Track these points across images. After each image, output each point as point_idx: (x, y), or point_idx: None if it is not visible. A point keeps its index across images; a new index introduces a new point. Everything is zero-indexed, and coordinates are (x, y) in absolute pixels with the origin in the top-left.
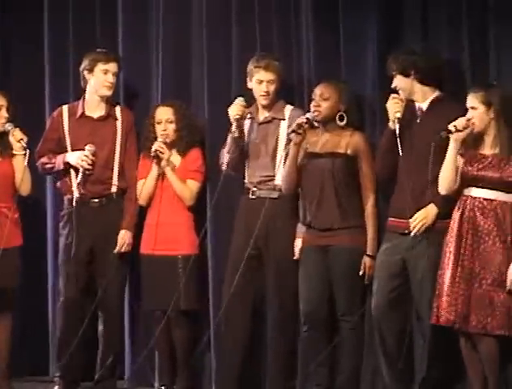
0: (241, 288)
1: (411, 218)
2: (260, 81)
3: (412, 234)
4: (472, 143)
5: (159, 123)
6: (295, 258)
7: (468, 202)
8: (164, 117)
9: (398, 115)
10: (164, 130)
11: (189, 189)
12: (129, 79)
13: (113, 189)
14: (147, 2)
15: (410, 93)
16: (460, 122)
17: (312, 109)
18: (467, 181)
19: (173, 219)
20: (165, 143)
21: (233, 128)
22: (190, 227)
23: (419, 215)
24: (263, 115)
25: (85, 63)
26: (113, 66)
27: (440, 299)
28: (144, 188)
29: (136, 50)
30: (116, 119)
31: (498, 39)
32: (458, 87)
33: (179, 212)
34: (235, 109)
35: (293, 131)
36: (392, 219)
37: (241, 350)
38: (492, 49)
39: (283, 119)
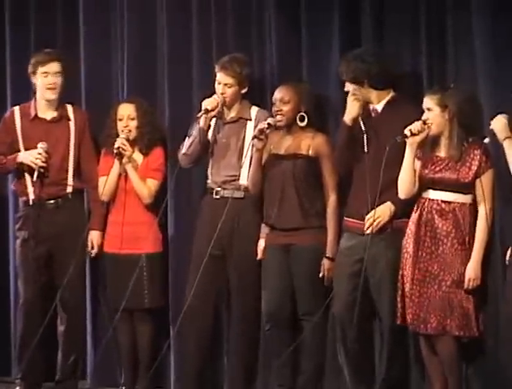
0: (203, 287)
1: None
2: (219, 82)
3: (367, 232)
4: (429, 145)
5: (120, 120)
6: (258, 258)
7: (426, 204)
8: (126, 113)
9: (355, 114)
10: (126, 127)
11: (147, 187)
12: (92, 78)
13: (69, 189)
14: (109, 1)
15: (364, 97)
16: (415, 126)
17: (274, 113)
18: (424, 183)
19: (138, 217)
20: (127, 140)
21: (202, 118)
22: (154, 225)
23: (376, 213)
24: (230, 115)
25: (29, 66)
26: (53, 67)
27: (403, 300)
28: (107, 185)
29: (99, 49)
30: (69, 119)
31: (456, 40)
32: (415, 88)
33: (143, 211)
34: (209, 101)
35: (255, 137)
36: (349, 219)
37: (203, 350)
38: (450, 52)
39: (250, 119)
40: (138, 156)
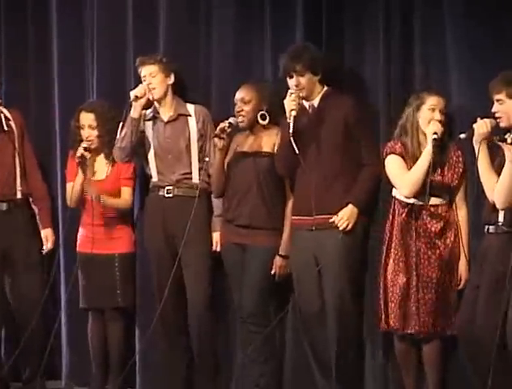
0: (165, 286)
1: (319, 215)
2: (143, 78)
3: (341, 228)
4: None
5: (82, 128)
6: (214, 249)
7: (413, 209)
8: (87, 122)
9: (294, 113)
10: (88, 137)
11: (124, 199)
12: (64, 78)
13: (18, 194)
14: (81, 1)
15: (311, 91)
16: (438, 127)
17: (235, 113)
18: None
19: (109, 219)
20: (89, 150)
21: (134, 108)
22: (127, 225)
23: (344, 214)
24: (168, 114)
25: None
26: None
27: (387, 306)
28: (73, 193)
29: (70, 49)
30: (9, 120)
31: (422, 36)
32: (374, 87)
33: (115, 212)
34: (137, 89)
35: (216, 136)
36: (297, 217)
37: (174, 348)
38: (416, 51)
39: (190, 115)
40: (102, 163)
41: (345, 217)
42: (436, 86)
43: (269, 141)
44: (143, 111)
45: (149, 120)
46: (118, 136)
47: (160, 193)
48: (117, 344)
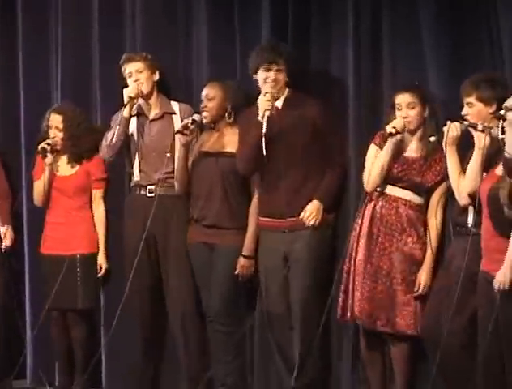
0: (141, 286)
1: (291, 217)
2: (129, 74)
3: (310, 224)
4: (399, 143)
5: (50, 128)
6: None
7: (381, 199)
8: (54, 124)
9: (268, 113)
10: (53, 137)
11: (100, 204)
12: (29, 79)
13: None
14: (46, 2)
15: (281, 91)
16: (398, 123)
17: (200, 110)
18: (387, 179)
19: (72, 218)
20: (55, 149)
21: (127, 108)
22: (90, 226)
23: (311, 210)
24: (153, 112)
25: None
26: None
27: (347, 295)
28: (37, 190)
29: (36, 50)
30: None
31: (391, 32)
32: (342, 85)
33: (78, 211)
34: (131, 89)
35: (178, 132)
36: (266, 219)
37: (141, 349)
38: (384, 49)
39: (174, 113)
40: (65, 166)
41: (313, 212)
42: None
43: (232, 140)
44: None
45: (134, 116)
46: (107, 134)
47: (142, 192)
48: (80, 345)
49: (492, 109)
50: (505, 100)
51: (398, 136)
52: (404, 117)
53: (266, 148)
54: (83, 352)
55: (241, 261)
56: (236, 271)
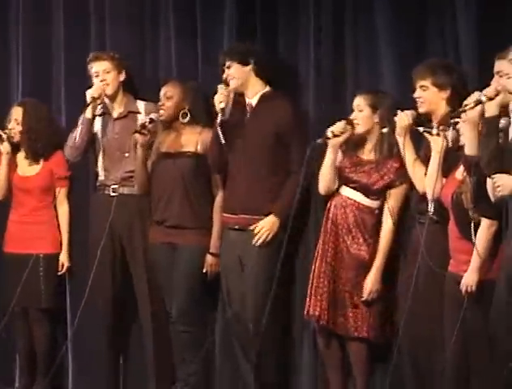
0: (106, 285)
1: (243, 214)
2: (96, 74)
3: (257, 244)
4: (353, 146)
5: (10, 121)
6: None
7: (336, 199)
8: (14, 116)
9: (222, 105)
10: (11, 129)
11: (61, 201)
12: None
13: None
14: (7, 1)
15: (243, 84)
16: (337, 128)
17: (158, 108)
18: (339, 178)
19: (36, 217)
20: (12, 141)
21: (89, 109)
22: (53, 225)
23: (264, 225)
24: (117, 110)
25: None
26: None
27: (310, 295)
28: None
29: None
30: None
31: (355, 39)
32: (302, 85)
33: (42, 210)
34: (94, 90)
35: (136, 131)
36: (225, 215)
37: (106, 350)
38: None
39: (139, 113)
40: (23, 161)
41: (265, 228)
42: (367, 84)
43: (191, 140)
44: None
45: (99, 116)
46: (71, 135)
47: (106, 192)
48: (42, 345)
49: (447, 94)
50: (460, 87)
51: (340, 138)
52: (353, 119)
53: (225, 139)
54: (44, 352)
55: (209, 259)
56: (204, 270)
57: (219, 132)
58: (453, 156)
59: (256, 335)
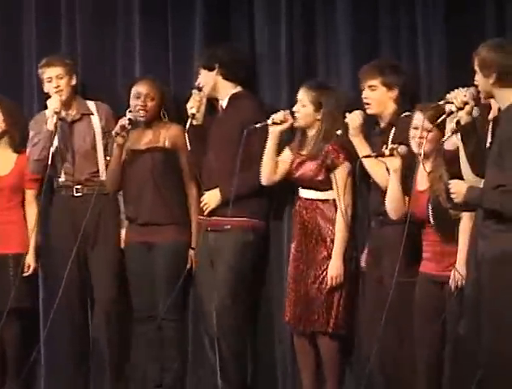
0: (72, 286)
1: (213, 216)
2: (49, 79)
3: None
4: (296, 145)
5: None
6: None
7: (297, 202)
8: None
9: (193, 111)
10: None
11: (30, 202)
12: None
13: None
14: None
15: (213, 89)
16: (277, 116)
17: (135, 108)
18: (293, 181)
19: (6, 217)
20: None
21: (51, 121)
22: (22, 225)
23: (204, 198)
24: (71, 114)
25: None
26: None
27: (285, 298)
28: None
29: None
30: None
31: (324, 36)
32: (274, 85)
33: (11, 210)
34: (54, 102)
35: (117, 134)
36: (199, 217)
37: (74, 351)
38: (318, 51)
39: (92, 114)
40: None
41: (205, 200)
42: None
43: (158, 135)
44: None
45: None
46: (32, 148)
47: (69, 193)
48: (13, 346)
49: (394, 93)
50: (407, 86)
51: (279, 127)
52: (296, 112)
53: (190, 143)
54: (15, 353)
55: (192, 254)
56: (189, 265)
57: (187, 139)
58: (409, 170)
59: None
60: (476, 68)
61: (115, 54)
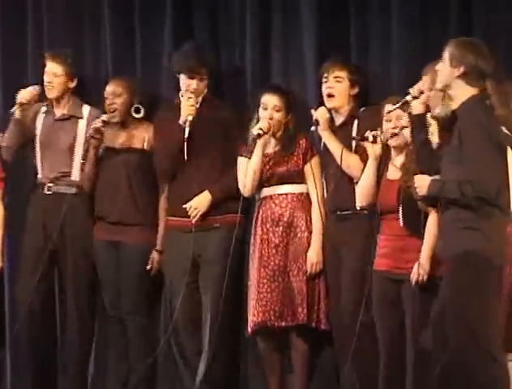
0: (39, 284)
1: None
2: (47, 73)
3: (193, 221)
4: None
5: None
6: None
7: (263, 203)
8: None
9: (190, 118)
10: None
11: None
12: None
13: None
14: None
15: (199, 94)
16: (264, 124)
17: (106, 108)
18: (260, 182)
19: None
20: None
21: (15, 110)
22: None
23: (193, 203)
24: (60, 112)
25: None
26: None
27: (251, 305)
28: None
29: None
30: None
31: (283, 39)
32: (237, 87)
33: None
34: (24, 93)
35: (91, 137)
36: (175, 218)
37: (41, 351)
38: (275, 51)
39: (81, 118)
40: None
41: (194, 205)
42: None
43: (138, 136)
44: (39, 106)
45: (43, 113)
46: (4, 135)
47: (42, 190)
48: None
49: (355, 91)
50: (366, 86)
51: (266, 136)
52: (270, 119)
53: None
54: None
55: (156, 256)
56: (148, 266)
57: (185, 146)
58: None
59: (213, 337)
60: (445, 57)
61: (82, 52)
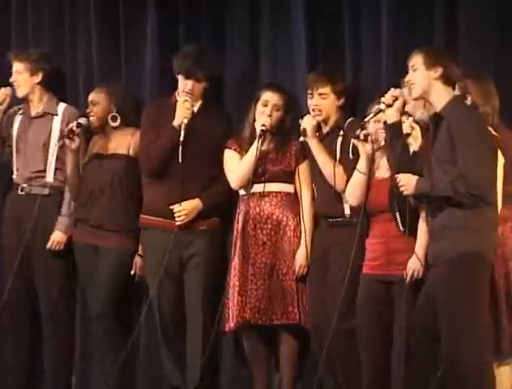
0: (16, 285)
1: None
2: (13, 72)
3: (177, 223)
4: (246, 145)
5: None
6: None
7: (250, 199)
8: None
9: (186, 121)
10: None
11: None
12: None
13: None
14: None
15: (197, 97)
16: (266, 121)
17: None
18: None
19: None
20: None
21: None
22: None
23: (183, 207)
24: (35, 110)
25: None
26: None
27: (231, 303)
28: None
29: None
30: None
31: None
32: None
33: None
34: None
35: (65, 136)
36: (157, 219)
37: (23, 351)
38: (264, 51)
39: (56, 115)
40: None
41: (185, 210)
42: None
43: (123, 142)
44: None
45: (21, 114)
46: None
47: (17, 191)
48: None
49: (341, 101)
50: (352, 93)
51: (267, 134)
52: (269, 116)
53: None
54: None
55: (139, 261)
56: (133, 272)
57: (180, 151)
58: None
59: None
60: (417, 63)
61: (65, 54)
